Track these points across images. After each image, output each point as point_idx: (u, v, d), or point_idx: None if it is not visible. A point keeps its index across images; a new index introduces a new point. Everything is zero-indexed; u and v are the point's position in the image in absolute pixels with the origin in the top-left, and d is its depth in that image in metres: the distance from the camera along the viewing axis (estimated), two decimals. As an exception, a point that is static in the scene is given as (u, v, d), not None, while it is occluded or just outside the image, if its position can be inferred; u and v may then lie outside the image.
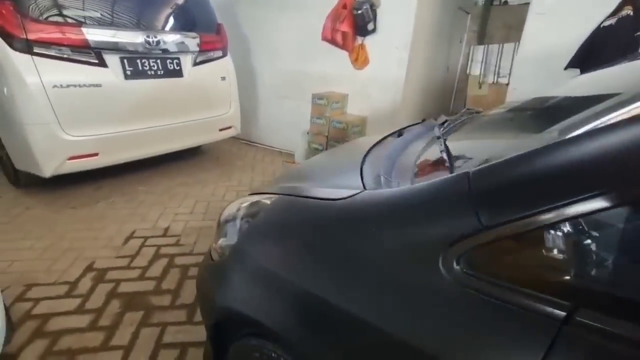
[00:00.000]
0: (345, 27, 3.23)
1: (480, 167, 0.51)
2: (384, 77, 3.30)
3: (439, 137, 0.78)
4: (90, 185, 2.90)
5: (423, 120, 1.43)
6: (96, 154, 2.51)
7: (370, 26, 3.19)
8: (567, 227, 0.46)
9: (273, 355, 0.78)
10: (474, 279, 0.47)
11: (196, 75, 3.01)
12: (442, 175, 0.69)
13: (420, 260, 0.52)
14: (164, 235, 2.30)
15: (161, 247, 2.17)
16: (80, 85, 2.29)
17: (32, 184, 2.75)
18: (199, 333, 1.53)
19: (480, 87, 4.97)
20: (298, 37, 3.70)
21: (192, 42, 2.93)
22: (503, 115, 1.22)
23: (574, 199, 0.41)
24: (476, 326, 0.47)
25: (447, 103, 5.30)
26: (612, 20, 2.40)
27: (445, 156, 0.71)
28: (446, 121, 1.19)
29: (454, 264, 0.49)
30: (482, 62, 4.86)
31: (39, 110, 2.17)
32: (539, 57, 2.74)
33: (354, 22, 3.21)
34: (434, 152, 0.81)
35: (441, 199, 0.53)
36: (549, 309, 0.43)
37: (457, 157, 0.71)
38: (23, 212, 2.46)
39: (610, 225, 0.46)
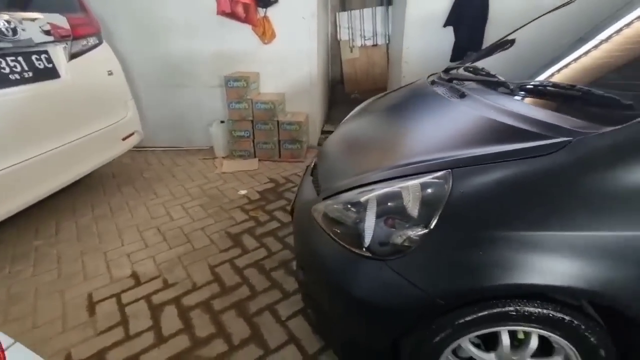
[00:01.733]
0: (245, -1, 2.96)
1: None
2: (295, 49, 3.25)
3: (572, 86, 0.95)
4: (-51, 265, 1.88)
5: (435, 81, 1.59)
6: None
7: (272, -4, 3.03)
8: None
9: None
10: None
11: (76, 72, 2.22)
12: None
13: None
14: (139, 284, 1.79)
15: (150, 296, 1.70)
16: None
17: None
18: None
19: (351, 51, 5.49)
20: (184, 13, 3.14)
21: (60, 26, 2.12)
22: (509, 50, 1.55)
23: None
24: None
25: (327, 69, 5.62)
26: (469, -14, 3.08)
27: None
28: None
29: None
30: (348, 27, 5.34)
31: None
32: (422, 18, 3.26)
33: (254, -8, 2.98)
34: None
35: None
36: None
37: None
38: None
39: None
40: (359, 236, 0.99)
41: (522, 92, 1.13)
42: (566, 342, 0.88)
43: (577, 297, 0.87)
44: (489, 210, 0.84)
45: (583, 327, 0.85)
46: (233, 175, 3.06)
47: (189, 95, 3.52)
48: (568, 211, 0.78)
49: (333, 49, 5.59)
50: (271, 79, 3.41)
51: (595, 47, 1.20)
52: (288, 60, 3.30)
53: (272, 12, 3.13)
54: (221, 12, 3.04)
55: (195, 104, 3.56)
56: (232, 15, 3.04)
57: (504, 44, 1.75)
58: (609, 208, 0.76)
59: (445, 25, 3.22)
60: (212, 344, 1.44)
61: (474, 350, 0.96)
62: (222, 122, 3.47)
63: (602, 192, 0.76)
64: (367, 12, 5.16)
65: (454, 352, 0.99)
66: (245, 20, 3.07)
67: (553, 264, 0.79)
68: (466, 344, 0.95)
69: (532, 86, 1.11)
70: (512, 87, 1.16)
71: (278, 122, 3.22)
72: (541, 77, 1.21)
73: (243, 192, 2.75)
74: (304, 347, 1.41)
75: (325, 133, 3.93)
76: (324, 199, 1.19)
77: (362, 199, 1.02)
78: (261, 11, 3.11)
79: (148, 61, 3.36)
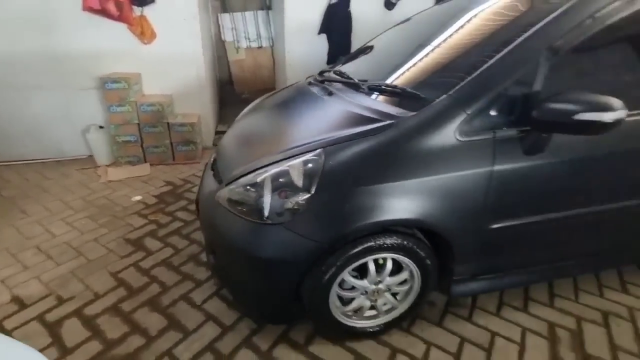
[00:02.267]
0: (117, -5, 2.80)
1: (457, 88, 1.19)
2: (179, 50, 3.22)
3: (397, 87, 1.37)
4: None
5: (311, 82, 1.91)
6: None
7: (147, -6, 2.94)
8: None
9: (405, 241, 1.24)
10: (467, 138, 1.17)
11: None
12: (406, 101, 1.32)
13: (445, 137, 1.16)
14: (24, 307, 1.63)
15: (43, 315, 1.58)
16: None
17: None
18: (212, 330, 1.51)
19: (237, 52, 5.59)
20: (39, 5, 2.77)
21: None
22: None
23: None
24: (466, 156, 1.19)
25: (215, 70, 5.59)
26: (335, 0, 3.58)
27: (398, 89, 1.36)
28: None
29: (457, 135, 1.16)
30: (232, 28, 5.42)
31: None
32: (299, 26, 3.63)
33: (127, -10, 2.85)
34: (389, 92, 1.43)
35: (444, 109, 1.17)
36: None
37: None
38: None
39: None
40: (260, 210, 1.22)
41: (370, 91, 1.54)
42: (408, 259, 1.30)
43: (409, 226, 1.29)
44: (350, 174, 1.18)
45: (416, 247, 1.27)
46: (122, 183, 2.88)
47: (54, 99, 3.11)
48: (397, 168, 1.18)
49: (219, 49, 5.58)
50: (155, 80, 3.29)
51: (418, 56, 1.68)
52: (172, 61, 3.25)
53: (149, 11, 3.03)
54: (88, 8, 2.81)
55: (63, 109, 3.17)
56: (103, 12, 2.84)
57: (364, 50, 2.19)
58: (417, 163, 1.18)
59: (319, 33, 3.67)
60: (128, 341, 1.46)
61: (353, 280, 1.30)
62: (101, 127, 3.19)
63: (413, 154, 1.18)
64: (249, 15, 5.34)
65: (340, 286, 1.31)
66: (119, 18, 2.91)
67: (392, 205, 1.18)
68: (347, 276, 1.29)
69: (374, 86, 1.52)
70: (363, 86, 1.56)
71: (168, 124, 3.16)
72: (383, 79, 1.64)
73: (137, 198, 2.64)
74: (222, 321, 1.56)
75: (219, 133, 3.97)
76: (227, 185, 1.38)
77: (259, 180, 1.25)
78: (137, 10, 2.99)
79: (-9, 59, 2.84)
